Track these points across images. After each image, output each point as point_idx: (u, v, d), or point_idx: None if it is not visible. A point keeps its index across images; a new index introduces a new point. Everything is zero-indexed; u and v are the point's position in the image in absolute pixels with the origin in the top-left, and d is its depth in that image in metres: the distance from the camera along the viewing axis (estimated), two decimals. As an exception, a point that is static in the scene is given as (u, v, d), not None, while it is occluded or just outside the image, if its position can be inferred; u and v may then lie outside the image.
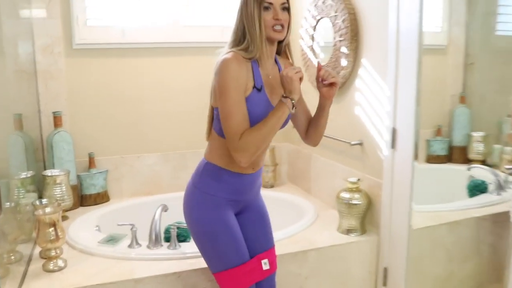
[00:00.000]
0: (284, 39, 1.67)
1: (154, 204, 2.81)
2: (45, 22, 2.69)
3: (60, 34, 2.73)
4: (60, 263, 2.08)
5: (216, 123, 1.69)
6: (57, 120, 2.71)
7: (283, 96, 1.58)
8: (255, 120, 1.57)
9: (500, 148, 2.49)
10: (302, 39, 2.96)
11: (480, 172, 2.58)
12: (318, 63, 1.72)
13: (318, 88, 1.70)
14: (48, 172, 2.57)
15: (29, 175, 2.43)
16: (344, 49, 2.50)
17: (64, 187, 2.58)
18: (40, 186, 2.63)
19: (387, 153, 2.30)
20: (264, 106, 1.61)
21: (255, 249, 1.82)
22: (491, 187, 2.48)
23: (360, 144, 2.52)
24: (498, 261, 2.43)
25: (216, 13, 3.08)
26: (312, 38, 2.84)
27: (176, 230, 2.24)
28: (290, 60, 1.78)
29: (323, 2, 2.66)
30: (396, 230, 2.30)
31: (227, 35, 3.12)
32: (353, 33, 2.46)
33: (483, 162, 2.59)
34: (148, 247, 2.23)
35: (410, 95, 2.13)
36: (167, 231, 2.40)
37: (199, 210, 1.72)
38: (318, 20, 2.75)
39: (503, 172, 2.44)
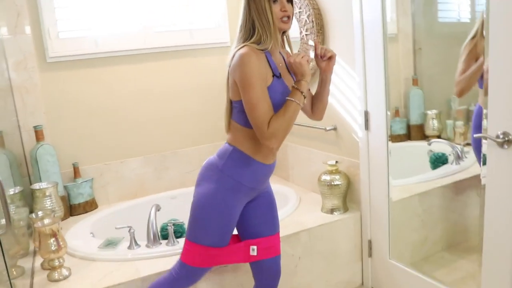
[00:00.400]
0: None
1: (143, 206, 2.92)
2: (15, 38, 2.70)
3: (32, 49, 2.75)
4: (65, 272, 2.14)
5: (239, 115, 1.77)
6: (38, 134, 2.74)
7: (296, 81, 1.70)
8: (277, 107, 1.68)
9: (452, 123, 2.72)
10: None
11: (439, 146, 2.80)
12: (315, 41, 1.84)
13: (318, 64, 1.83)
14: (36, 186, 2.60)
15: (17, 191, 2.46)
16: (311, 42, 2.66)
17: (54, 198, 2.61)
18: (29, 200, 2.66)
19: (361, 134, 2.48)
20: (284, 93, 1.72)
21: (262, 232, 1.94)
22: (450, 158, 2.70)
23: (335, 129, 2.69)
24: (463, 223, 2.69)
25: (183, 17, 3.16)
26: (279, 33, 2.98)
27: (172, 227, 2.34)
28: (289, 49, 1.89)
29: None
30: (376, 204, 2.49)
31: (197, 37, 3.24)
32: (318, 26, 2.62)
33: (439, 137, 2.81)
34: (147, 246, 2.32)
35: (379, 79, 2.31)
36: (163, 229, 2.50)
37: (217, 189, 1.78)
38: (283, 17, 2.89)
39: (458, 144, 2.67)
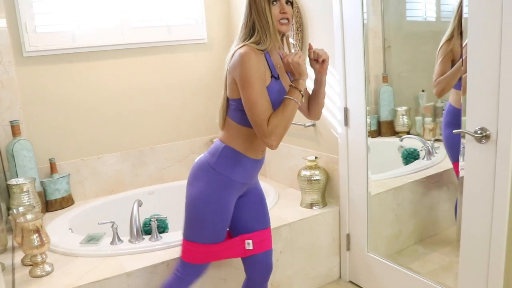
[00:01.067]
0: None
1: (120, 201, 2.93)
2: (-8, 31, 2.65)
3: (9, 43, 2.69)
4: (47, 267, 2.12)
5: (235, 113, 1.80)
6: (15, 129, 2.69)
7: (294, 80, 1.75)
8: (275, 106, 1.72)
9: (421, 119, 2.83)
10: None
11: (410, 142, 2.91)
12: (310, 44, 1.89)
13: (312, 66, 1.87)
14: (13, 181, 2.55)
15: (-7, 187, 2.42)
16: (290, 40, 2.71)
17: (31, 194, 2.57)
18: (4, 196, 2.61)
19: (340, 130, 2.55)
20: (282, 93, 1.76)
21: (254, 226, 1.99)
22: (422, 154, 2.81)
23: (314, 125, 2.75)
24: (434, 217, 2.80)
25: (161, 13, 3.15)
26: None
27: (156, 222, 2.35)
28: (288, 51, 1.92)
29: (267, -3, 2.84)
30: (355, 199, 2.56)
31: (175, 33, 3.24)
32: (297, 24, 2.68)
33: (408, 133, 2.92)
34: (130, 241, 2.32)
35: (359, 76, 2.39)
36: (146, 224, 2.50)
37: (209, 186, 1.82)
38: (263, 14, 2.93)
39: (428, 140, 2.78)
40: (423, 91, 2.79)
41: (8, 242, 2.42)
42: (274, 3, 1.71)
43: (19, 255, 2.26)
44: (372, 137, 2.91)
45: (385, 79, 2.93)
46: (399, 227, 2.77)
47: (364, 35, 2.32)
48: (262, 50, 1.73)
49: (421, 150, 2.83)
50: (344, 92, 2.48)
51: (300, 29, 2.68)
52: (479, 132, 1.74)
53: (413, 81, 2.91)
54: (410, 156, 2.91)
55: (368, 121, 2.89)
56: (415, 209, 2.80)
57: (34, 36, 2.76)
